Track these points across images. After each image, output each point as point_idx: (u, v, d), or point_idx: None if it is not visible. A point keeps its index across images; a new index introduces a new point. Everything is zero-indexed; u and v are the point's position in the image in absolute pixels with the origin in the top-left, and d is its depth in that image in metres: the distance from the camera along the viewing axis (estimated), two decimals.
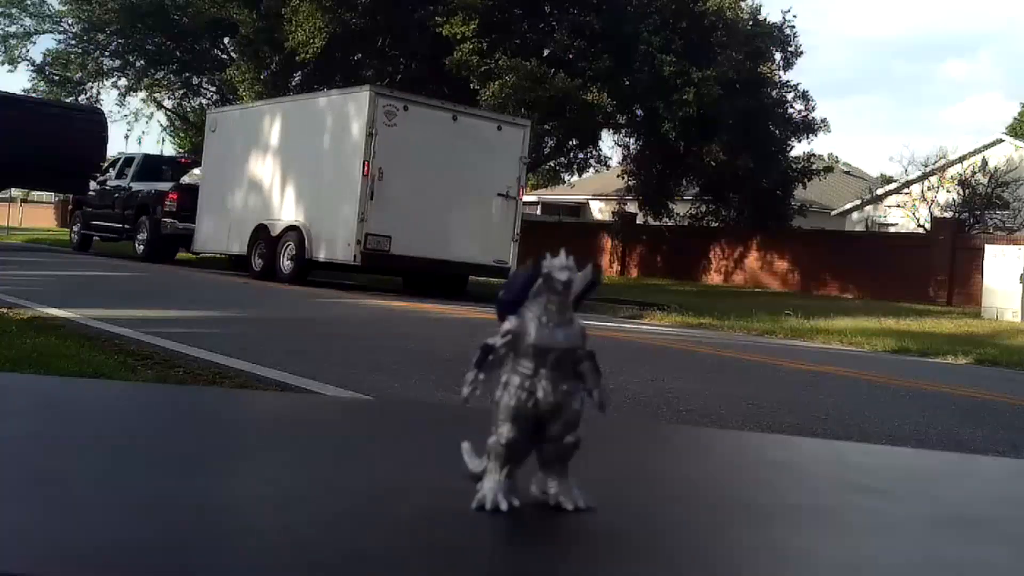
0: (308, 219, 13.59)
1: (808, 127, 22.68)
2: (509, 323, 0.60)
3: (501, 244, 13.61)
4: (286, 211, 14.10)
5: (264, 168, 14.82)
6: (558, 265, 0.59)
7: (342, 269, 13.45)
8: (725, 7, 20.20)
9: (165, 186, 17.79)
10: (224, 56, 28.95)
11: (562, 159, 24.98)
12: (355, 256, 12.63)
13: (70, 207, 22.20)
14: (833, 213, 32.61)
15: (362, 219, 12.58)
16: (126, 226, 18.59)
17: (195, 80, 30.80)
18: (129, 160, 19.71)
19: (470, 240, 13.33)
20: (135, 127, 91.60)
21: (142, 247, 18.00)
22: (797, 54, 22.63)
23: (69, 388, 1.05)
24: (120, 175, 19.09)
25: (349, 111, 13.27)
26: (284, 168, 14.38)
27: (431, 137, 13.05)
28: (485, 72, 18.70)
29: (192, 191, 16.79)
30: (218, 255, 16.41)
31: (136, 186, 18.49)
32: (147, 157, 19.91)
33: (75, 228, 20.92)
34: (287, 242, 13.73)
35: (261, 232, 14.26)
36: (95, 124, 19.02)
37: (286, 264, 13.71)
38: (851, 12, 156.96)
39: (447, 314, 10.25)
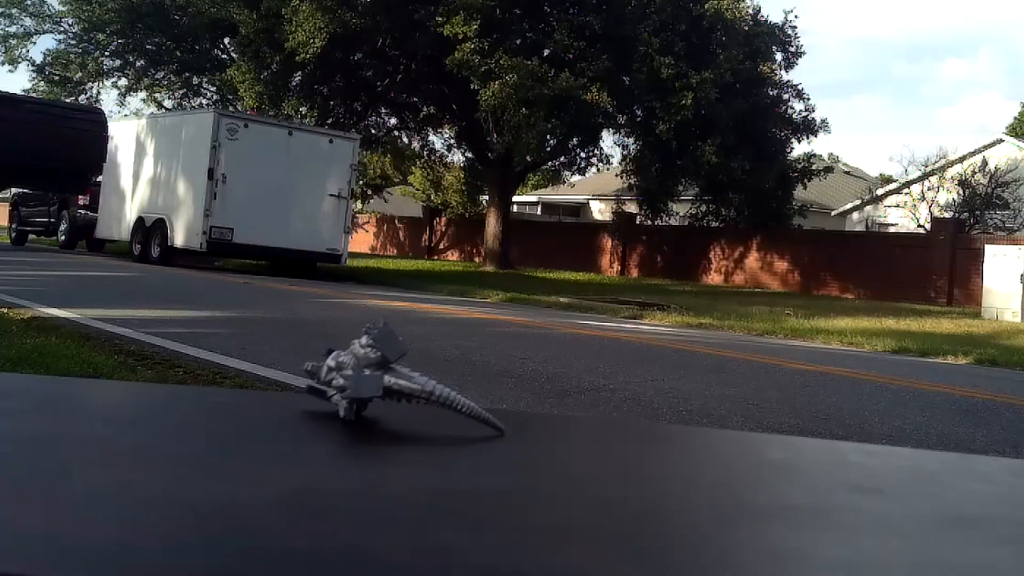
0: (170, 213, 16.36)
1: (808, 127, 22.62)
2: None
3: (334, 235, 16.54)
4: (156, 206, 16.94)
5: (143, 170, 17.70)
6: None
7: (198, 255, 15.92)
8: (723, 8, 20.16)
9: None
10: (224, 56, 28.93)
11: (563, 158, 24.96)
12: (201, 244, 15.42)
13: (9, 208, 24.00)
14: (833, 213, 32.59)
15: (207, 214, 15.38)
16: (52, 220, 21.40)
17: (195, 80, 30.80)
18: None
19: (306, 232, 16.09)
20: None
21: (63, 236, 20.95)
22: (798, 54, 22.58)
23: (69, 388, 1.05)
24: None
25: (199, 128, 16.06)
26: (156, 171, 17.26)
27: (269, 149, 15.81)
28: (486, 72, 18.73)
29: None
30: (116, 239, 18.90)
31: None
32: None
33: (13, 226, 22.89)
34: (156, 231, 16.60)
35: (140, 223, 17.17)
36: (95, 124, 19.07)
37: (155, 250, 16.50)
38: (851, 12, 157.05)
39: (448, 314, 10.27)
